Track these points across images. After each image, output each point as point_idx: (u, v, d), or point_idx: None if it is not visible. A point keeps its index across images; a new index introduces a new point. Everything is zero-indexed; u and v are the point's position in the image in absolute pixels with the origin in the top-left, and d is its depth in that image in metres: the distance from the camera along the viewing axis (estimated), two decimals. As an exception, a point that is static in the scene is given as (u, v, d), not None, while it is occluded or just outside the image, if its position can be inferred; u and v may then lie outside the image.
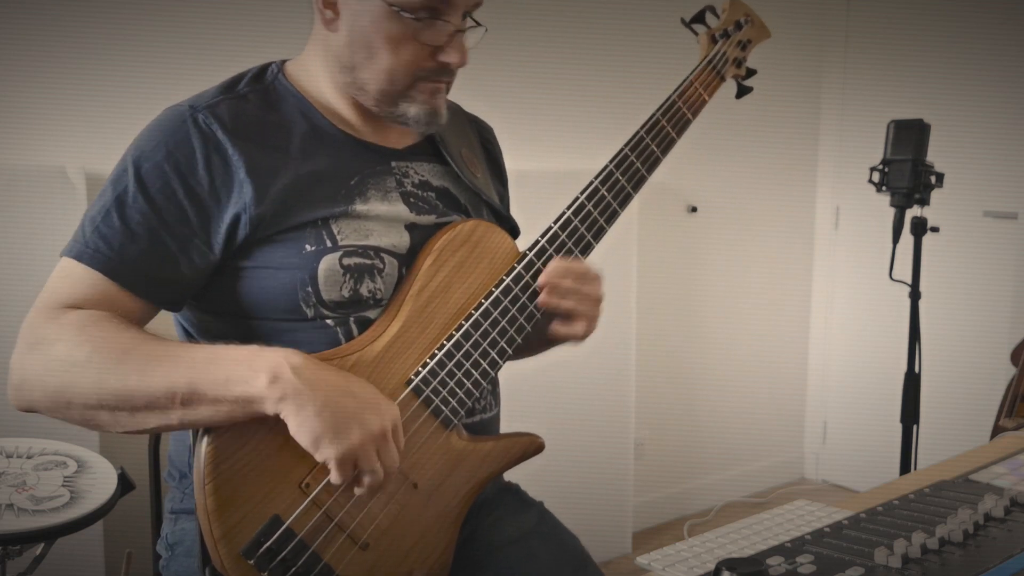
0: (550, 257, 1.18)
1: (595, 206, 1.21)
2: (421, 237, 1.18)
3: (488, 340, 1.15)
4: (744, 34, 1.37)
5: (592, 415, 2.95)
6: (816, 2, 3.71)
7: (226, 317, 1.15)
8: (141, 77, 2.18)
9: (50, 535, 1.47)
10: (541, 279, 1.17)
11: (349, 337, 1.13)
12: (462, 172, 1.26)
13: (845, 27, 3.71)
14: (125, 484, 1.60)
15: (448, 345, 1.13)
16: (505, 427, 1.29)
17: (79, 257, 1.07)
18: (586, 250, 1.21)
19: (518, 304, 1.16)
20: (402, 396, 1.10)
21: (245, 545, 1.02)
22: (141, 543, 1.61)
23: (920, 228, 2.59)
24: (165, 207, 1.08)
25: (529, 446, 1.21)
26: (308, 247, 1.11)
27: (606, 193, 1.22)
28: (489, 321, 1.15)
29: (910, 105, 3.27)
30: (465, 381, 1.13)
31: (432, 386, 1.12)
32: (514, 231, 1.36)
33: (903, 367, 2.63)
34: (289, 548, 1.03)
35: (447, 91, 1.20)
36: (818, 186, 3.84)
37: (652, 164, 1.26)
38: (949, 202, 3.00)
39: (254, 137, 1.12)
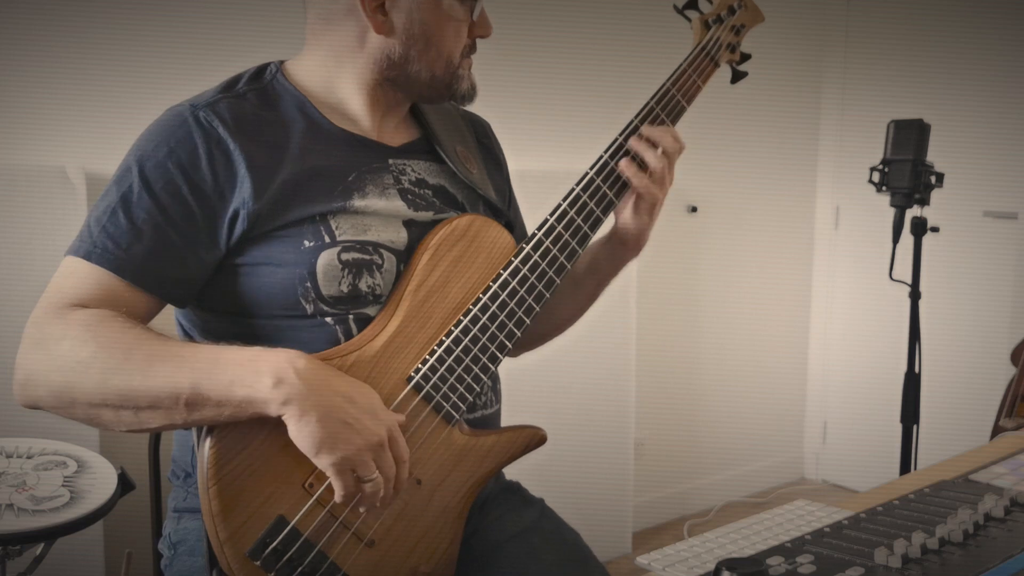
0: (547, 249, 1.18)
1: (591, 196, 1.21)
2: (419, 233, 1.19)
3: (487, 335, 1.15)
4: (738, 19, 1.36)
5: (592, 415, 2.95)
6: (816, 2, 3.70)
7: (226, 315, 1.15)
8: (141, 77, 2.18)
9: (50, 535, 1.47)
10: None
11: (348, 335, 1.13)
12: (457, 169, 1.27)
13: (845, 27, 3.71)
14: (125, 484, 1.60)
15: (447, 341, 1.13)
16: (506, 425, 1.29)
17: (87, 256, 1.07)
18: (584, 241, 1.21)
19: (516, 298, 1.16)
20: (403, 393, 1.10)
21: (251, 546, 1.02)
22: (141, 543, 1.61)
23: (920, 228, 2.59)
24: (170, 204, 1.08)
25: (531, 438, 1.21)
26: (307, 243, 1.12)
27: (601, 183, 1.22)
28: (487, 316, 1.15)
29: (910, 105, 3.26)
30: (465, 376, 1.13)
31: (432, 382, 1.12)
32: (510, 225, 1.36)
33: (903, 367, 2.63)
34: (295, 548, 1.03)
35: None
36: (818, 186, 3.83)
37: None
38: (949, 202, 2.99)
39: (254, 134, 1.13)
